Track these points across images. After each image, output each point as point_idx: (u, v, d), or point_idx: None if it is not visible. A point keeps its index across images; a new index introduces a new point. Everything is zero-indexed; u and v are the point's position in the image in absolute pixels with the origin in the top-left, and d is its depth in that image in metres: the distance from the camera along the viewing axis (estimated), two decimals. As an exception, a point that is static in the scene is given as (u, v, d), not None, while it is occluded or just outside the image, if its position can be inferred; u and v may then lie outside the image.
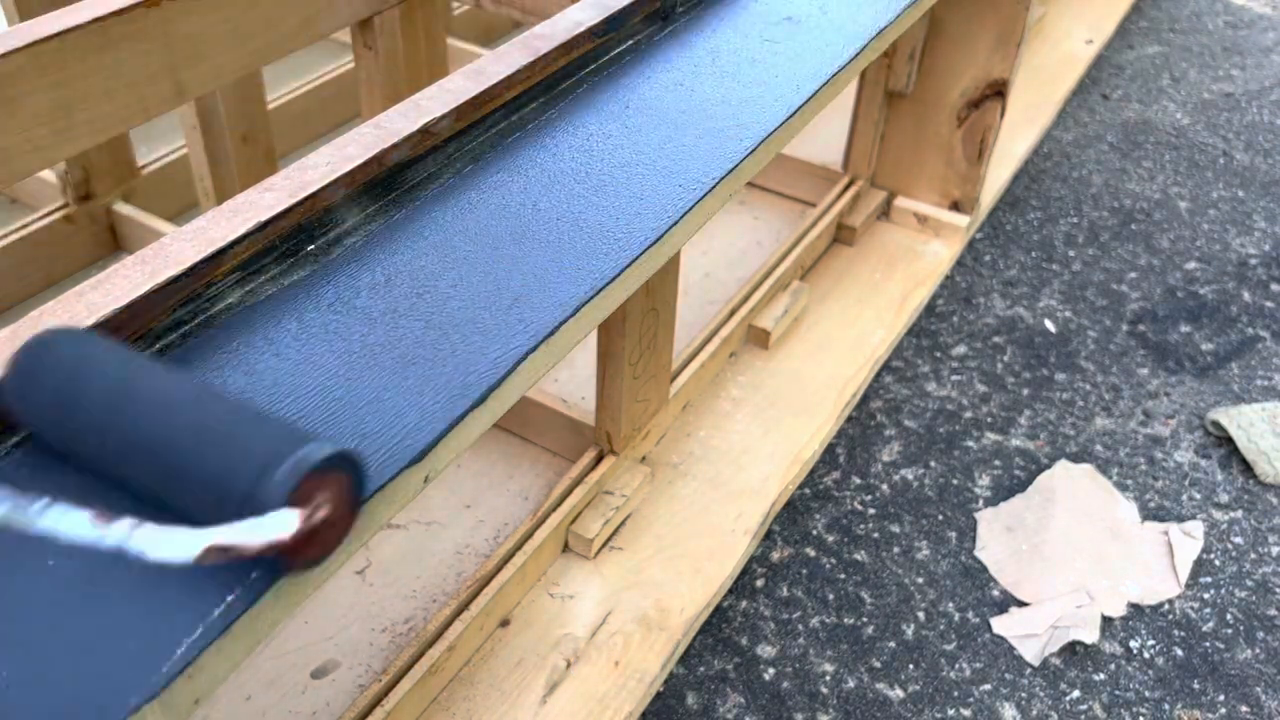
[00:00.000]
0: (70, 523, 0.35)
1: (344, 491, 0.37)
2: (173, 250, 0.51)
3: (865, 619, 0.94)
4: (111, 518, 0.34)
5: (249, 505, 0.35)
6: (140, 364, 0.40)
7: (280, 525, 0.34)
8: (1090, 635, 0.92)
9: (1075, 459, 1.10)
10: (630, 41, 0.77)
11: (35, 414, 0.40)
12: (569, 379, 1.01)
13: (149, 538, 0.34)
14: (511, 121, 0.67)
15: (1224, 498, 1.07)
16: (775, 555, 0.98)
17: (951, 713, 0.87)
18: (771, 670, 0.89)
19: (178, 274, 0.50)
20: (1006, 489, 1.06)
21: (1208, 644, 0.94)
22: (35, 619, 0.37)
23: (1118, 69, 1.84)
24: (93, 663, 0.36)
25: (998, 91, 1.12)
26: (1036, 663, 0.91)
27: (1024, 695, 0.89)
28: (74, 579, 0.38)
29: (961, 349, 1.23)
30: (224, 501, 0.35)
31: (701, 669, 0.89)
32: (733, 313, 1.03)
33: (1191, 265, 1.39)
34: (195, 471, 0.36)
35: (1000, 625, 0.94)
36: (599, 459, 0.87)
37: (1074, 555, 0.99)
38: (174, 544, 0.34)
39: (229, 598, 0.38)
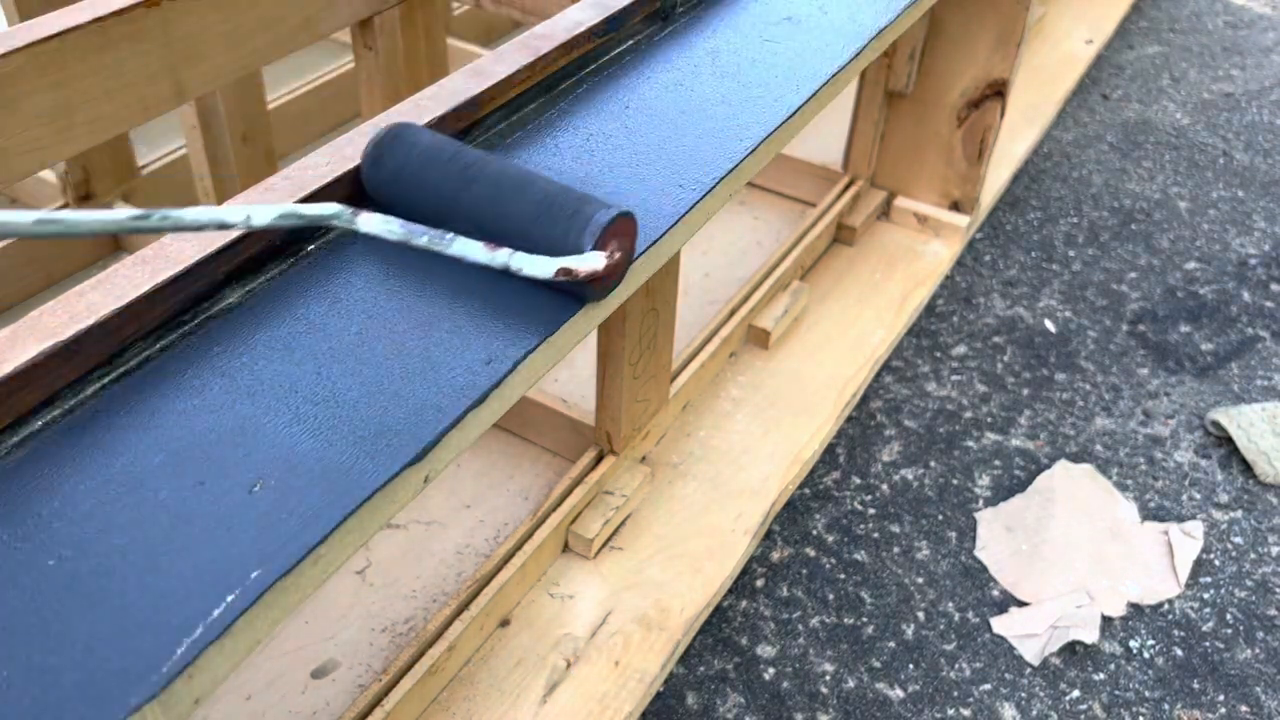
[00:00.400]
0: (471, 249, 0.50)
1: (627, 240, 0.54)
2: (173, 250, 0.51)
3: (865, 619, 0.94)
4: (497, 247, 0.50)
5: (575, 250, 0.51)
6: (473, 152, 0.55)
7: (595, 260, 0.51)
8: (1090, 635, 0.92)
9: (1075, 459, 1.10)
10: (630, 41, 0.77)
11: (392, 190, 0.56)
12: (569, 379, 1.01)
13: (523, 259, 0.50)
14: (511, 121, 0.67)
15: (1224, 498, 1.07)
16: (775, 555, 0.98)
17: (951, 713, 0.87)
18: (771, 670, 0.89)
19: (178, 274, 0.50)
20: (1006, 489, 1.06)
21: (1208, 644, 0.94)
22: (36, 619, 0.37)
23: (1118, 69, 1.84)
24: (93, 662, 0.36)
25: (998, 91, 1.12)
26: (1036, 663, 0.91)
27: (1024, 695, 0.89)
28: (75, 578, 0.38)
29: (961, 349, 1.23)
30: (557, 249, 0.51)
31: (701, 669, 0.89)
32: (733, 313, 1.03)
33: (1191, 265, 1.39)
34: (534, 230, 0.52)
35: (1000, 625, 0.94)
36: (599, 459, 0.87)
37: (1074, 555, 0.99)
38: (539, 264, 0.50)
39: (229, 598, 0.38)
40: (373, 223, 0.51)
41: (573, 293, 0.53)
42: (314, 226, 0.51)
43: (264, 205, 0.47)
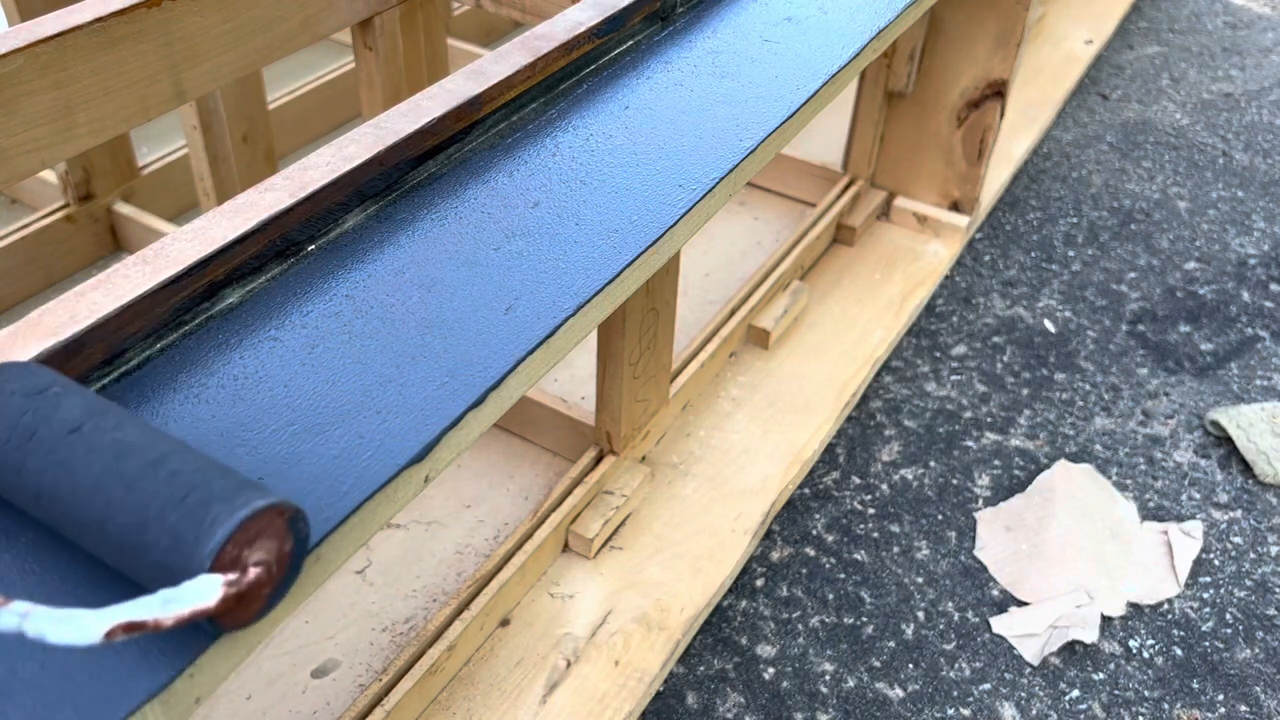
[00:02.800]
0: None
1: (276, 541, 0.35)
2: (173, 250, 0.51)
3: (865, 619, 0.94)
4: (5, 601, 0.31)
5: (164, 574, 0.33)
6: (66, 415, 0.37)
7: (201, 594, 0.31)
8: (1090, 635, 0.92)
9: (1075, 459, 1.10)
10: (630, 42, 0.77)
11: None
12: (569, 379, 1.01)
13: (47, 619, 0.30)
14: (511, 121, 0.67)
15: (1223, 498, 1.07)
16: (775, 555, 0.98)
17: (951, 712, 0.87)
18: (771, 670, 0.89)
19: (178, 274, 0.50)
20: (1006, 489, 1.06)
21: (1207, 644, 0.94)
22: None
23: (1117, 69, 1.84)
24: (93, 660, 0.36)
25: (997, 92, 1.12)
26: (1036, 662, 0.91)
27: (1023, 695, 0.89)
28: (83, 577, 0.38)
29: (961, 349, 1.23)
30: (141, 567, 0.33)
31: (701, 669, 0.89)
32: (733, 313, 1.03)
33: (1191, 265, 1.39)
34: (112, 535, 0.34)
35: (1000, 625, 0.94)
36: (599, 459, 0.87)
37: (1074, 555, 0.99)
38: (75, 626, 0.30)
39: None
40: None
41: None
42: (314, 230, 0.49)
43: None
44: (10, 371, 0.39)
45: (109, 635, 0.30)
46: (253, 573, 0.34)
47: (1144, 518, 1.04)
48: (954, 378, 1.19)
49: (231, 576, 0.33)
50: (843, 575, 0.97)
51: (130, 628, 0.31)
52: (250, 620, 0.35)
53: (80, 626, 0.30)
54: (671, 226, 0.59)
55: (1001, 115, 1.13)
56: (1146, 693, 0.89)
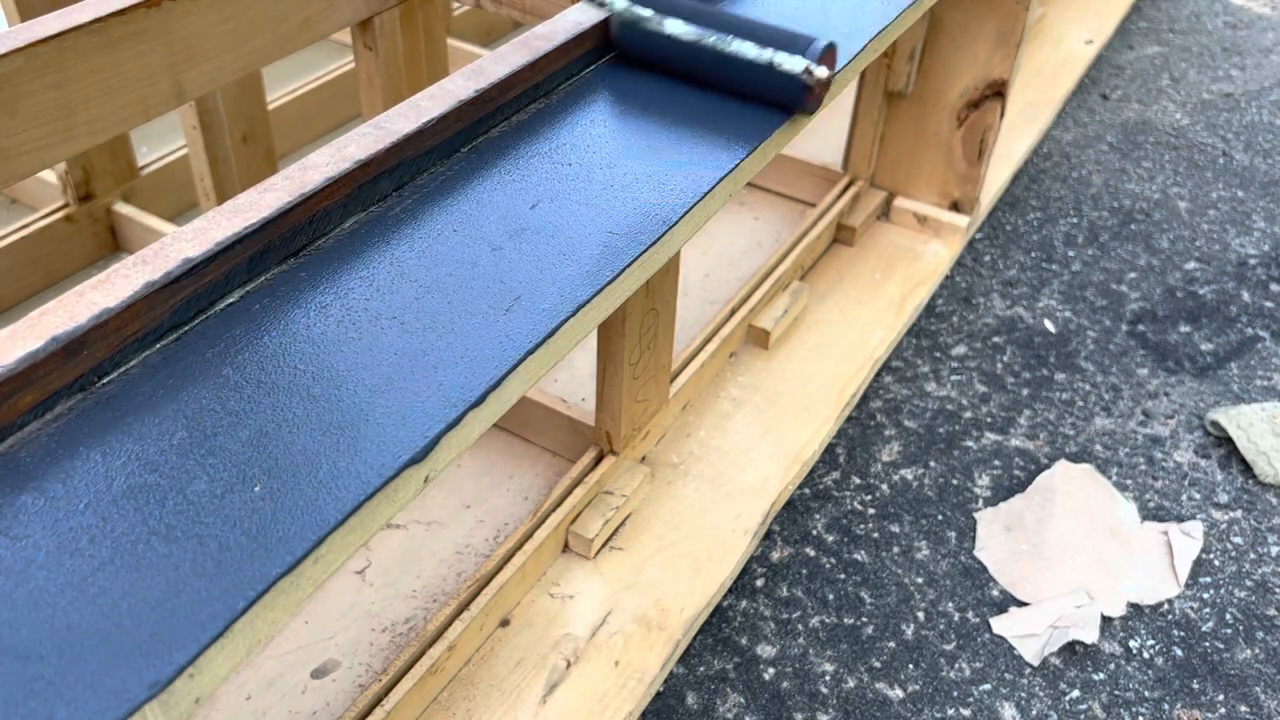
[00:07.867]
0: (744, 48, 0.65)
1: (831, 64, 0.66)
2: (173, 250, 0.51)
3: (865, 619, 0.94)
4: (764, 46, 0.65)
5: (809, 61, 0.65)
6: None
7: (824, 70, 0.64)
8: (1090, 635, 0.92)
9: (1075, 459, 1.10)
10: (630, 41, 0.77)
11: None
12: (569, 379, 1.01)
13: (783, 56, 0.64)
14: (511, 121, 0.67)
15: (1223, 498, 1.07)
16: (775, 555, 0.98)
17: (951, 712, 0.87)
18: (771, 670, 0.89)
19: (178, 274, 0.50)
20: (1006, 489, 1.06)
21: (1207, 644, 0.94)
22: (36, 615, 0.37)
23: (1117, 69, 1.84)
24: (93, 660, 0.36)
25: (997, 92, 1.12)
26: (1036, 662, 0.91)
27: (1024, 695, 0.89)
28: (79, 574, 0.38)
29: (961, 349, 1.23)
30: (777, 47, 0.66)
31: (701, 669, 0.89)
32: (733, 313, 1.03)
33: (1191, 265, 1.39)
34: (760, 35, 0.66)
35: (1000, 625, 0.94)
36: (599, 459, 0.87)
37: (1074, 555, 0.99)
38: (794, 61, 0.64)
39: (230, 597, 0.38)
40: (674, 25, 0.69)
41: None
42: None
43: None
44: None
45: (804, 70, 0.65)
46: (830, 71, 0.66)
47: (1144, 518, 1.04)
48: (954, 378, 1.19)
49: (826, 66, 0.65)
50: (843, 575, 0.97)
51: (808, 72, 0.65)
52: (814, 108, 0.67)
53: (796, 63, 0.66)
54: (672, 226, 0.59)
55: (1001, 115, 1.13)
56: (1147, 693, 0.89)
